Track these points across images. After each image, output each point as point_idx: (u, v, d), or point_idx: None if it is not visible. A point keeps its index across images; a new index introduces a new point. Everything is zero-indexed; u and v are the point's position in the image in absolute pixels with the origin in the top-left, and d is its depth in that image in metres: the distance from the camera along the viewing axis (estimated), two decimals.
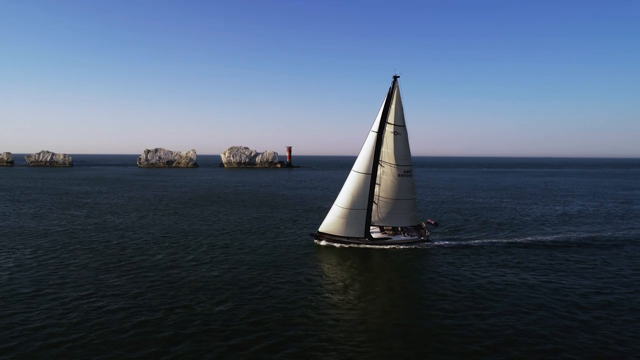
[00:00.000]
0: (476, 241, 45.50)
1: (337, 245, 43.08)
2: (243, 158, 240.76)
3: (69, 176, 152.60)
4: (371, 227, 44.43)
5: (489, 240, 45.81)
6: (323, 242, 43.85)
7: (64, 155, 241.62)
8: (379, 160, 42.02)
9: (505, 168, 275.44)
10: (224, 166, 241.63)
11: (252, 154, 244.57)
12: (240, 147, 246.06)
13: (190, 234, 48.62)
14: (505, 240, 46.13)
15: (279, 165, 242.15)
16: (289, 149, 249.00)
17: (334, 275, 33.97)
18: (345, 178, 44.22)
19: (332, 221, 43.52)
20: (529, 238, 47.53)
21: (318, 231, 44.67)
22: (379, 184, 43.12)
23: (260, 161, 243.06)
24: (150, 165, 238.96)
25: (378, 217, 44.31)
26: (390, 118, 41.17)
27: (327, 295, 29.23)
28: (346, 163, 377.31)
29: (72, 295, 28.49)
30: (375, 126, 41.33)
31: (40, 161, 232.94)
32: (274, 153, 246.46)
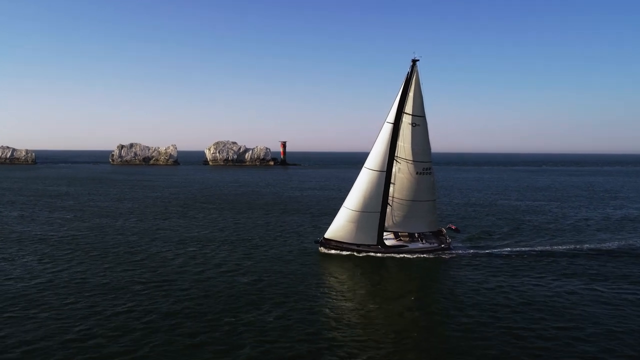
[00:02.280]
0: (506, 249, 45.07)
1: (345, 253, 42.65)
2: (230, 154, 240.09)
3: (37, 175, 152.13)
4: (384, 233, 43.95)
5: (522, 249, 45.39)
6: (330, 250, 43.38)
7: (27, 152, 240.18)
8: (394, 155, 41.51)
9: (536, 166, 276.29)
10: (208, 163, 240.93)
11: (241, 150, 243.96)
12: (227, 142, 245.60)
13: (204, 240, 49.23)
14: (539, 248, 45.69)
15: (271, 163, 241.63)
16: (284, 145, 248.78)
17: (341, 289, 33.53)
18: (354, 177, 43.72)
19: (340, 226, 43.04)
20: (570, 246, 47.08)
21: (324, 237, 44.22)
22: (394, 183, 42.66)
23: (251, 158, 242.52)
24: (125, 163, 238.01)
25: (392, 221, 43.86)
26: (408, 107, 40.71)
27: (332, 312, 28.74)
28: (351, 160, 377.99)
29: (109, 305, 29.18)
30: (391, 117, 40.87)
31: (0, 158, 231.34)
32: (266, 149, 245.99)
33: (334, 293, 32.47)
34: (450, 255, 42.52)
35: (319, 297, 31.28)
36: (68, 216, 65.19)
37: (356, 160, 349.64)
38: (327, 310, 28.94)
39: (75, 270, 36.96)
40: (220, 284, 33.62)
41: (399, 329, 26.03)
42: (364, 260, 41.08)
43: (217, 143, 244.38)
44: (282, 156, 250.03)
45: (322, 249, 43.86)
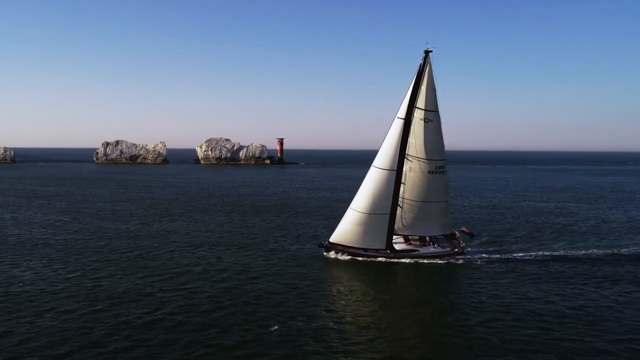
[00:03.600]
0: (524, 254, 45.01)
1: (351, 258, 42.60)
2: (224, 152, 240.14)
3: (21, 175, 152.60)
4: (393, 237, 43.92)
5: (541, 253, 45.34)
6: (335, 255, 43.36)
7: (5, 149, 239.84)
8: (405, 153, 41.46)
9: (556, 165, 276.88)
10: (200, 162, 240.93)
11: (235, 148, 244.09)
12: (220, 138, 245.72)
13: (217, 244, 49.50)
14: (560, 253, 45.62)
15: (268, 161, 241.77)
16: (281, 142, 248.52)
17: (347, 297, 33.43)
18: (362, 177, 43.67)
19: (346, 229, 42.98)
20: (593, 250, 47.04)
21: (329, 241, 44.16)
22: (404, 183, 42.63)
23: (245, 156, 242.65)
24: (110, 162, 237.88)
25: (402, 223, 43.83)
26: (420, 102, 40.69)
27: (337, 322, 28.62)
28: (356, 158, 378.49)
29: (135, 312, 29.49)
30: (402, 112, 40.82)
31: None
32: (262, 146, 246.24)
33: (339, 302, 32.36)
34: (464, 261, 42.44)
35: (323, 306, 31.13)
36: (66, 219, 65.45)
37: (360, 159, 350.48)
38: (332, 322, 28.79)
39: (93, 277, 37.08)
40: (248, 291, 33.78)
41: (409, 341, 25.86)
42: (371, 266, 40.96)
43: (209, 140, 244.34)
44: (279, 154, 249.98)
45: (327, 254, 43.78)
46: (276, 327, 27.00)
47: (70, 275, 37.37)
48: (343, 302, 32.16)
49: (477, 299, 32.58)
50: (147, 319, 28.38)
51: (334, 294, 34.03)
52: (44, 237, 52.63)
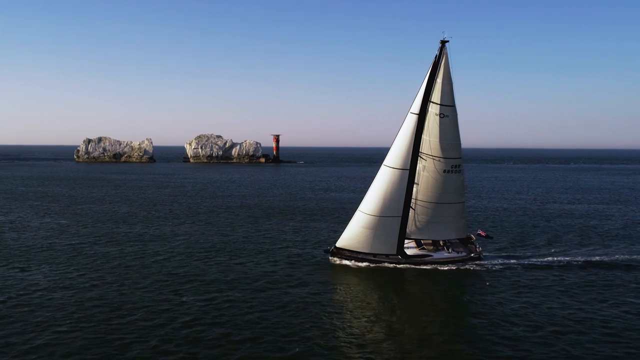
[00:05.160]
0: (547, 260, 45.05)
1: (359, 264, 42.69)
2: (215, 150, 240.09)
3: None
4: (405, 241, 43.97)
5: (566, 259, 45.35)
6: (342, 261, 43.40)
7: None
8: (418, 151, 41.51)
9: (587, 163, 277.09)
10: (189, 160, 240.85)
11: (227, 145, 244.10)
12: (210, 135, 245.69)
13: (234, 249, 49.84)
14: (586, 259, 45.57)
15: (262, 160, 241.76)
16: (277, 139, 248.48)
17: (355, 306, 33.46)
18: (369, 176, 43.66)
19: (354, 233, 43.01)
20: (624, 256, 46.94)
21: (335, 246, 44.18)
22: (418, 183, 42.71)
23: (238, 154, 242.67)
24: (92, 160, 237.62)
25: (415, 227, 43.90)
26: (436, 96, 40.72)
27: (344, 334, 28.62)
28: (360, 157, 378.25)
29: (172, 319, 30.36)
30: (415, 107, 40.86)
31: None
32: (256, 143, 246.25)
33: (346, 312, 32.34)
34: (481, 267, 42.50)
35: (328, 316, 31.13)
36: (63, 221, 65.82)
37: (364, 157, 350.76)
38: (340, 332, 28.85)
39: (114, 283, 37.56)
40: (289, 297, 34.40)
41: (421, 356, 25.80)
42: (381, 273, 40.98)
43: (200, 137, 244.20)
44: (274, 152, 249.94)
45: (333, 260, 43.79)
46: (297, 349, 26.78)
47: (92, 282, 37.73)
48: (348, 313, 32.04)
49: (496, 309, 32.45)
50: (180, 324, 29.57)
51: (338, 303, 33.92)
52: (47, 241, 52.63)
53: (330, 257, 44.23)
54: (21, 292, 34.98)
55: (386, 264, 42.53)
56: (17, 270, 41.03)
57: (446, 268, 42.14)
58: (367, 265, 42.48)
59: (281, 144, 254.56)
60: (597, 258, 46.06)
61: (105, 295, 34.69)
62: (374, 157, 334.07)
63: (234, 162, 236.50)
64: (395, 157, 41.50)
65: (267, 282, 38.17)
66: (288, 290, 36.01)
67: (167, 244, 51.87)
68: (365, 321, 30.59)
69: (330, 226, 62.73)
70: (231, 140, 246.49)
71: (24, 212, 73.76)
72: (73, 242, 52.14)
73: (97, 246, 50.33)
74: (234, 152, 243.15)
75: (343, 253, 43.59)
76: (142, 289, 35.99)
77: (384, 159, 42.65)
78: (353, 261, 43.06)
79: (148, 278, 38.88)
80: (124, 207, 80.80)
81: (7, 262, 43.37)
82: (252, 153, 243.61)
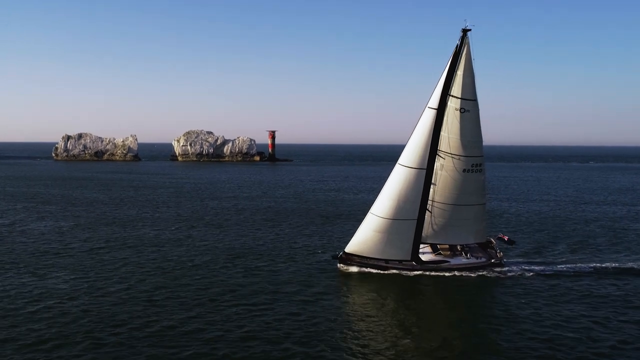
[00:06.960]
0: (575, 267, 45.15)
1: (370, 271, 42.89)
2: (205, 147, 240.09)
3: None
4: (420, 246, 44.19)
5: (593, 265, 45.54)
6: (352, 268, 43.59)
7: None
8: (436, 149, 41.71)
9: (617, 162, 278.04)
10: (177, 159, 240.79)
11: (219, 142, 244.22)
12: (200, 131, 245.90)
13: (256, 253, 50.79)
14: (615, 265, 45.68)
15: (257, 158, 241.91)
16: (272, 135, 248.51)
17: (366, 316, 33.56)
18: (379, 176, 43.90)
19: (365, 237, 43.18)
20: None
21: (344, 252, 44.34)
22: (435, 184, 42.87)
23: (231, 152, 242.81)
24: (72, 158, 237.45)
25: (431, 230, 44.10)
26: (456, 89, 40.84)
27: (354, 347, 28.70)
28: (362, 155, 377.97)
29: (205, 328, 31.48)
30: (434, 101, 40.97)
31: None
32: (250, 140, 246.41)
33: (353, 323, 32.47)
34: (502, 274, 42.64)
35: (336, 328, 31.21)
36: (64, 224, 66.25)
37: (367, 155, 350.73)
38: (351, 343, 29.00)
39: (140, 289, 38.62)
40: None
41: None
42: (394, 280, 41.13)
43: (189, 133, 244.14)
44: (270, 150, 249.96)
45: (342, 266, 43.97)
46: None
47: (115, 288, 38.62)
48: (355, 327, 32.02)
49: (520, 322, 32.36)
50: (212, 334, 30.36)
51: (348, 317, 33.88)
52: (55, 246, 53.09)
53: (338, 264, 44.39)
54: (56, 300, 35.70)
55: (399, 271, 42.65)
56: (31, 276, 41.75)
57: (464, 275, 42.29)
58: (378, 272, 42.59)
59: (276, 141, 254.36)
60: (631, 264, 46.19)
61: (145, 301, 35.85)
62: (374, 155, 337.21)
63: (226, 161, 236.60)
64: (411, 155, 41.61)
65: (276, 291, 38.31)
66: (293, 298, 36.39)
67: (186, 248, 52.56)
68: (377, 333, 30.68)
69: (346, 229, 62.68)
70: (223, 136, 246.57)
71: (20, 214, 74.29)
72: (83, 247, 52.62)
73: (114, 251, 50.79)
74: (226, 149, 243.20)
75: (353, 259, 43.73)
76: (174, 299, 36.46)
77: (397, 157, 42.82)
78: (363, 267, 43.21)
79: (186, 287, 39.26)
80: (126, 209, 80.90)
81: (18, 269, 43.99)
82: (245, 151, 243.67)
